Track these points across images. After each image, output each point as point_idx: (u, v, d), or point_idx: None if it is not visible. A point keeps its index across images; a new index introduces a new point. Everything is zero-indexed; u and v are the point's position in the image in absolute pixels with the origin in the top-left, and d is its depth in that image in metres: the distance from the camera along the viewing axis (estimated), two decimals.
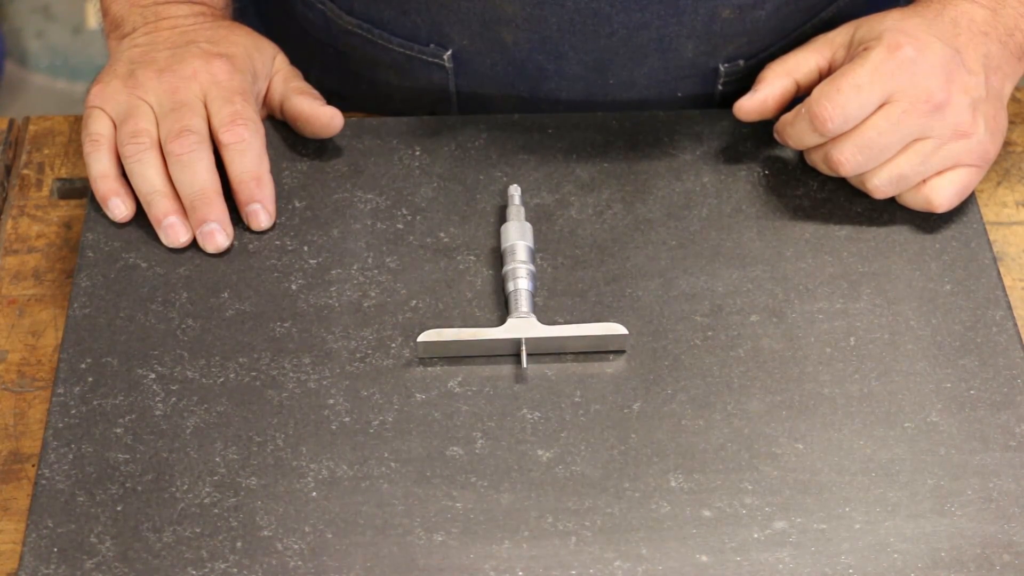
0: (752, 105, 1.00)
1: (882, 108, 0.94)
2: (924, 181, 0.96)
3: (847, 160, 0.95)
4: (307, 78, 1.06)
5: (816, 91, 0.95)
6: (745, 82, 1.04)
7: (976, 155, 0.96)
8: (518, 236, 0.95)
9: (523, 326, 0.91)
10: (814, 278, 0.96)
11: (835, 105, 0.93)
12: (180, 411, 0.89)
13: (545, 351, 0.91)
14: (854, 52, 0.97)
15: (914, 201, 0.97)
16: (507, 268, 0.94)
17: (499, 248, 0.96)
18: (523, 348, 0.90)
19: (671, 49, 1.04)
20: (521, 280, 0.93)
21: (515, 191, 0.98)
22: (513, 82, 1.07)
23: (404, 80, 1.10)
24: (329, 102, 1.03)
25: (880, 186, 0.96)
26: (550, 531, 0.84)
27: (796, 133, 0.97)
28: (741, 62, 1.07)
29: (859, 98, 0.94)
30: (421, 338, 0.90)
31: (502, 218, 0.98)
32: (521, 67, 1.06)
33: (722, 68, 1.07)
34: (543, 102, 1.08)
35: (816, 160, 0.99)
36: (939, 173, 0.96)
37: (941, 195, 0.96)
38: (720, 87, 1.09)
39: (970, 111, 0.95)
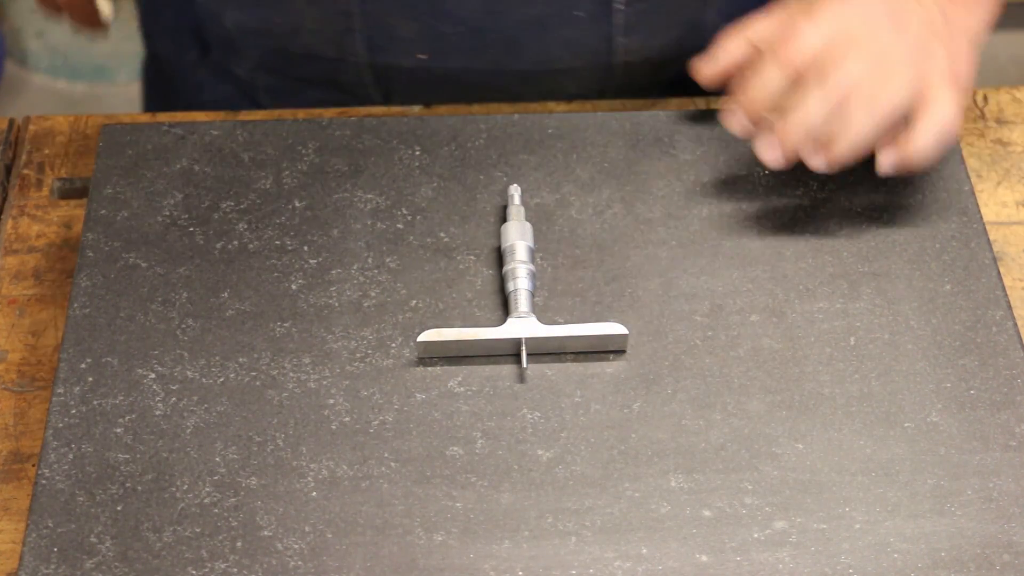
0: (709, 70, 0.97)
1: (854, 32, 0.92)
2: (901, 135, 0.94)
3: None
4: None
5: (772, 35, 0.93)
6: (642, 4, 1.03)
7: (947, 73, 0.93)
8: (518, 236, 0.95)
9: (523, 326, 0.91)
10: (814, 278, 0.96)
11: (797, 39, 0.92)
12: (180, 411, 0.89)
13: (545, 351, 0.91)
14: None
15: (896, 155, 0.94)
16: (507, 268, 0.94)
17: (499, 248, 0.96)
18: (523, 348, 0.90)
19: None
20: (521, 280, 0.93)
21: (515, 191, 0.98)
22: (415, 3, 1.08)
23: (312, 5, 1.11)
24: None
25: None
26: (550, 531, 0.84)
27: (763, 82, 0.93)
28: None
29: (817, 30, 0.92)
30: (421, 338, 0.90)
31: (502, 218, 0.98)
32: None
33: None
34: (445, 23, 1.08)
35: (811, 104, 0.92)
36: (914, 117, 0.93)
37: (921, 137, 0.93)
38: (620, 6, 1.08)
39: (929, 33, 0.93)
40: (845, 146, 0.93)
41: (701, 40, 1.03)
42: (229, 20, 1.06)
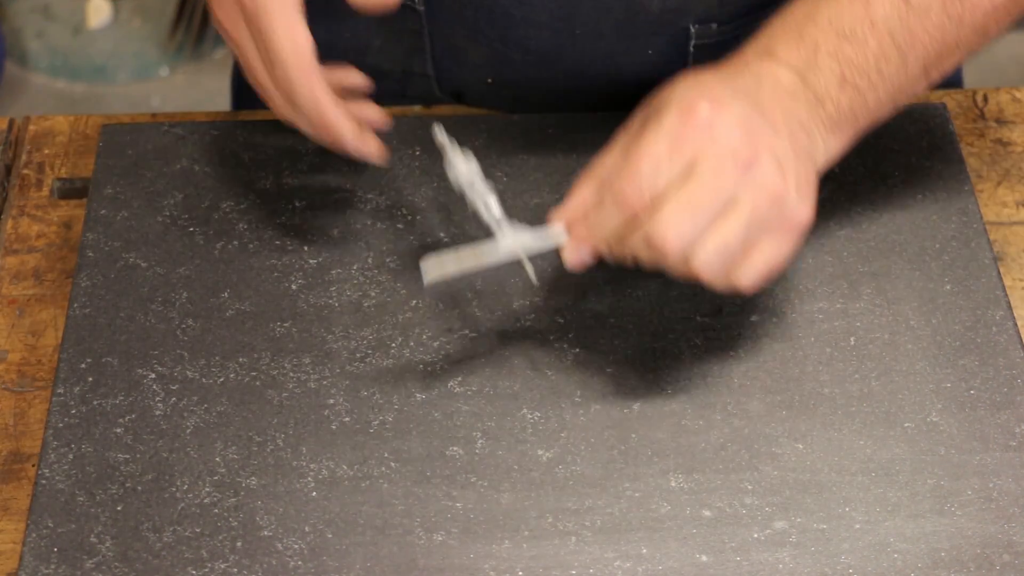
0: (561, 216, 0.89)
1: (690, 175, 0.82)
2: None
3: (673, 236, 0.82)
4: None
5: (617, 173, 0.84)
6: (720, 50, 1.01)
7: (789, 222, 0.84)
8: (474, 172, 0.91)
9: (518, 237, 0.88)
10: (814, 278, 0.96)
11: (638, 185, 0.83)
12: (180, 411, 0.89)
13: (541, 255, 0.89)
14: (647, 124, 0.86)
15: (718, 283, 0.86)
16: (473, 199, 0.90)
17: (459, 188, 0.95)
18: (526, 265, 0.88)
19: (636, 2, 1.04)
20: (494, 208, 0.89)
21: (438, 129, 0.93)
22: (483, 28, 1.07)
23: (382, 24, 1.10)
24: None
25: (708, 261, 0.82)
26: (550, 531, 0.84)
27: (602, 222, 0.85)
28: (714, 26, 1.06)
29: (660, 172, 0.83)
30: (426, 268, 0.87)
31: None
32: (489, 12, 1.06)
33: (693, 29, 1.06)
34: (514, 51, 1.07)
35: (635, 246, 0.84)
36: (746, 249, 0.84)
37: (747, 274, 0.84)
38: (692, 49, 1.07)
39: (778, 170, 0.83)
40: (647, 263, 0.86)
41: None
42: None
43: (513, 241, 0.89)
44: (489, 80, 1.11)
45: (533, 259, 0.92)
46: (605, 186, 0.85)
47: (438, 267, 0.88)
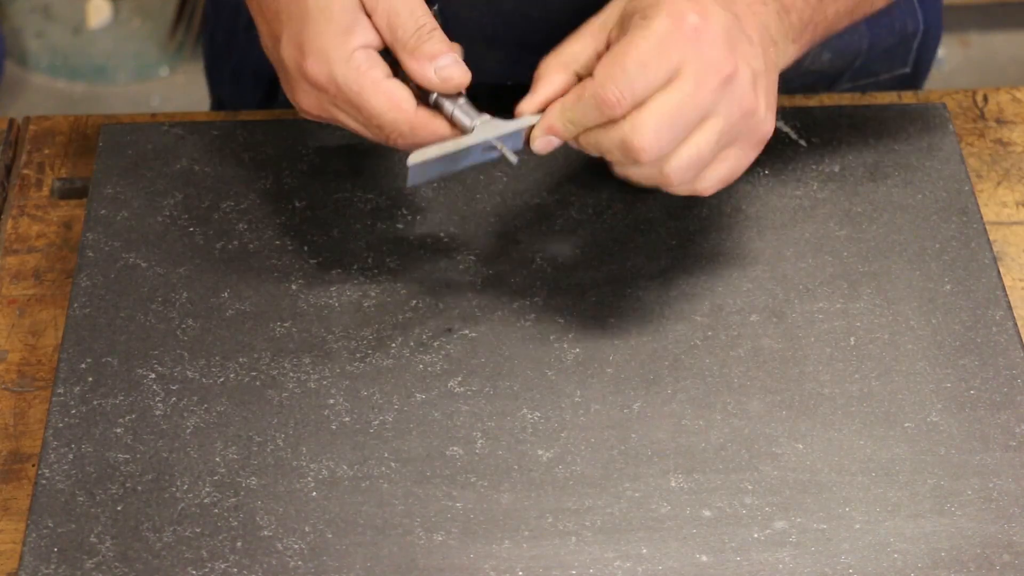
0: (532, 107, 0.89)
1: (672, 82, 0.85)
2: None
3: (650, 143, 0.84)
4: None
5: (599, 71, 0.85)
6: None
7: (757, 134, 0.88)
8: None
9: (491, 127, 0.88)
10: (814, 278, 0.96)
11: (622, 86, 0.84)
12: (180, 411, 0.89)
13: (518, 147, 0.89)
14: (632, 24, 0.87)
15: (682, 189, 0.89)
16: (435, 97, 0.90)
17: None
18: (501, 146, 0.88)
19: None
20: (462, 99, 0.90)
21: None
22: (500, 33, 1.06)
23: None
24: None
25: (680, 168, 0.86)
26: (550, 531, 0.84)
27: (578, 118, 0.86)
28: None
29: (646, 76, 0.84)
30: (411, 160, 0.86)
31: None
32: (507, 17, 1.05)
33: None
34: (533, 53, 1.07)
35: (608, 145, 0.86)
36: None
37: (710, 181, 0.88)
38: None
39: (752, 85, 0.86)
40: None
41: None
42: None
43: (484, 124, 0.89)
44: (508, 83, 1.10)
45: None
46: (584, 80, 0.87)
47: (420, 154, 0.87)
